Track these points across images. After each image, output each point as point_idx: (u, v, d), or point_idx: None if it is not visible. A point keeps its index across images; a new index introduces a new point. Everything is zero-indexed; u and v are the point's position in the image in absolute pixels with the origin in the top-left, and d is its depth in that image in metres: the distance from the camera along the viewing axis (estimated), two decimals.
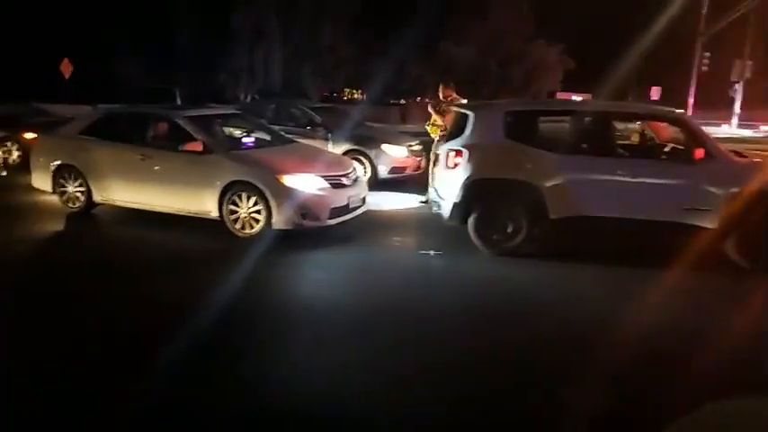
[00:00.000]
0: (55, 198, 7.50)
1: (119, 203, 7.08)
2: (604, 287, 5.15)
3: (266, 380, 3.41)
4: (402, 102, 48.80)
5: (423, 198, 8.16)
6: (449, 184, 5.99)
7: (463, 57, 35.78)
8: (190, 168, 6.57)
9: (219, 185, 6.36)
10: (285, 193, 6.14)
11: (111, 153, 7.00)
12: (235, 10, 31.57)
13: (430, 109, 8.34)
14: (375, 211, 7.56)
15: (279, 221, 6.17)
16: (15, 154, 10.66)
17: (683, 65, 30.48)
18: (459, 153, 5.88)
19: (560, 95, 41.65)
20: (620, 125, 7.48)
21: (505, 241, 5.82)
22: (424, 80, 35.10)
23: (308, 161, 6.72)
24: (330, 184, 6.44)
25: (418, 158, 9.91)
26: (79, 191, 7.24)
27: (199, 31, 30.58)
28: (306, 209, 6.20)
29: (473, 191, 5.78)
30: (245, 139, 7.26)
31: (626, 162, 5.70)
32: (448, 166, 6.02)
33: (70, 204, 7.34)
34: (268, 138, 7.57)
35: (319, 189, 6.31)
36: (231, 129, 8.03)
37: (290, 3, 32.69)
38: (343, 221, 6.54)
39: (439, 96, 8.36)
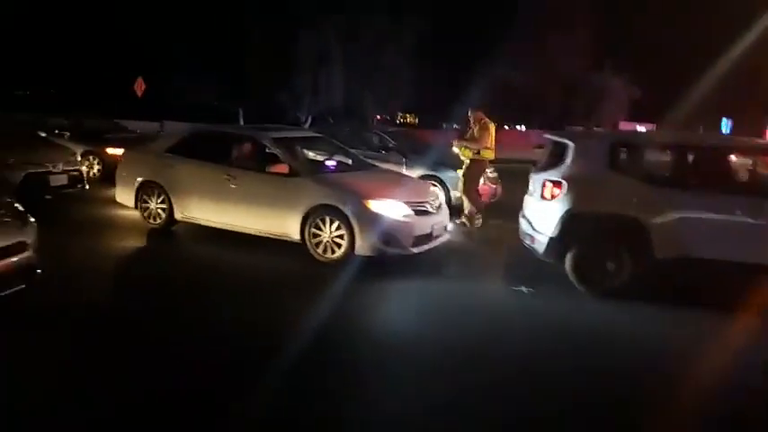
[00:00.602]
0: (134, 213, 7.59)
1: (200, 222, 7.07)
2: (716, 339, 4.65)
3: (349, 422, 3.19)
4: (456, 126, 48.53)
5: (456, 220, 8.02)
6: (545, 216, 5.65)
7: (522, 84, 35.34)
8: (274, 190, 6.50)
9: (303, 208, 6.24)
10: (370, 219, 5.96)
11: (196, 171, 7.02)
12: (300, 36, 32.35)
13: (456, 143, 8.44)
14: (455, 240, 7.28)
15: (362, 247, 5.98)
16: (96, 168, 10.97)
17: (759, 95, 29.05)
18: (558, 184, 5.54)
19: (623, 125, 40.56)
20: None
21: (605, 280, 5.42)
22: (487, 105, 34.70)
23: (392, 187, 6.53)
24: (414, 210, 6.22)
25: (494, 186, 9.60)
26: (161, 207, 7.29)
27: (265, 55, 31.40)
28: (390, 236, 5.99)
29: (573, 225, 5.42)
30: (327, 163, 7.16)
31: (745, 201, 5.22)
32: (544, 198, 5.69)
33: (151, 221, 7.39)
34: (349, 162, 7.44)
35: (404, 216, 6.10)
36: (313, 152, 7.96)
37: (352, 29, 33.24)
38: (426, 250, 6.29)
39: (470, 122, 8.43)
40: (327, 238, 6.16)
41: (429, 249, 6.35)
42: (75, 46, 29.53)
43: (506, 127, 39.90)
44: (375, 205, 6.00)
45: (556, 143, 6.04)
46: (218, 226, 6.93)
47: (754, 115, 33.01)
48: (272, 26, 30.72)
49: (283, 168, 6.45)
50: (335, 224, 6.10)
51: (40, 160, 8.22)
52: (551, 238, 5.55)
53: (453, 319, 4.90)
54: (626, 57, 34.56)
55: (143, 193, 7.40)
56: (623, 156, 5.58)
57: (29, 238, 4.03)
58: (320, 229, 6.20)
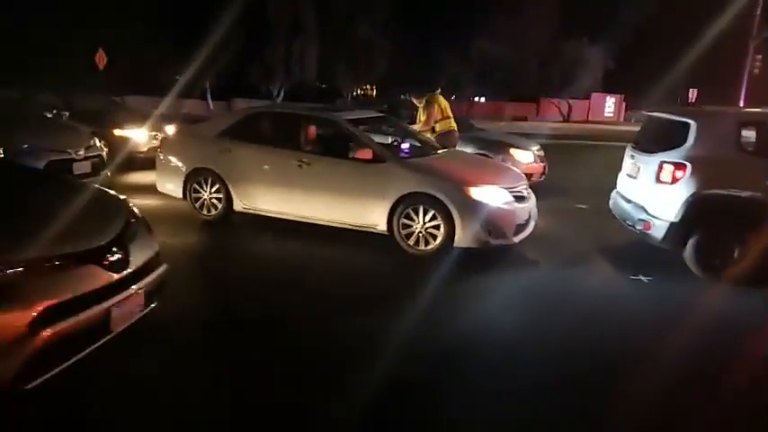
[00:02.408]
0: (174, 203, 6.88)
1: (264, 213, 6.43)
2: None
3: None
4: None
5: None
6: (664, 201, 5.34)
7: (499, 56, 35.06)
8: (357, 177, 5.93)
9: (392, 197, 5.72)
10: (472, 208, 5.50)
11: (261, 157, 6.34)
12: (269, 5, 30.86)
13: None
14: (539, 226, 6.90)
15: (463, 239, 5.52)
16: (104, 152, 10.01)
17: (734, 67, 29.74)
18: (681, 167, 5.22)
19: (595, 96, 41.05)
20: None
21: (729, 267, 5.18)
22: (462, 79, 34.32)
23: (489, 172, 6.09)
24: (514, 197, 5.80)
25: (543, 163, 9.27)
26: (216, 197, 6.61)
27: (231, 26, 29.74)
28: (493, 225, 5.56)
29: (699, 210, 5.13)
30: (403, 146, 6.60)
31: None
32: (662, 181, 5.36)
33: (204, 212, 6.70)
34: (418, 144, 6.90)
35: (505, 203, 5.67)
36: (378, 134, 7.34)
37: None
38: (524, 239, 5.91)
39: (414, 104, 8.22)
40: (420, 229, 5.68)
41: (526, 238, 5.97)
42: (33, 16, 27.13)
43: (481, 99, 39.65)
44: (477, 192, 5.54)
45: (667, 121, 5.70)
46: (287, 217, 6.32)
47: (730, 85, 33.78)
48: None
49: (367, 153, 5.88)
50: (430, 214, 5.62)
51: (62, 146, 7.32)
52: (672, 224, 5.25)
53: (585, 317, 4.49)
54: (599, 28, 34.66)
55: (193, 181, 6.69)
56: (751, 135, 5.29)
57: (157, 245, 3.40)
58: (411, 220, 5.71)
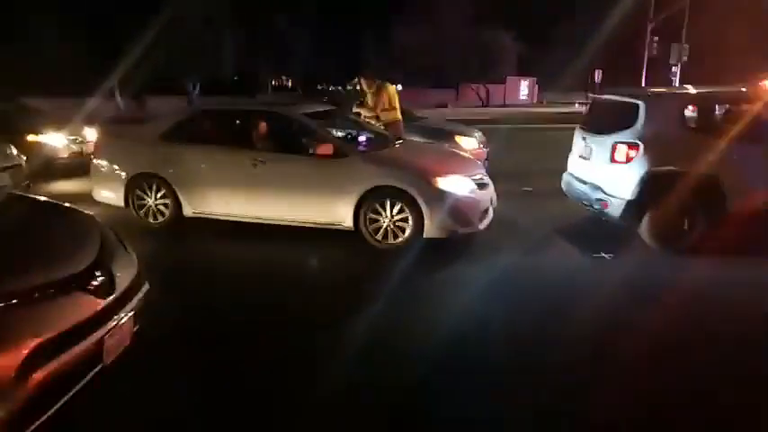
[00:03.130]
0: (109, 211, 6.34)
1: (218, 216, 6.09)
2: None
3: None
4: (332, 89, 47.78)
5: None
6: (619, 179, 5.55)
7: (417, 44, 35.41)
8: (319, 174, 5.73)
9: (357, 192, 5.58)
10: (439, 198, 5.47)
11: (211, 158, 5.99)
12: None
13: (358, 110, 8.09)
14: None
15: (432, 230, 5.49)
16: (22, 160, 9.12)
17: (634, 49, 31.70)
18: (633, 146, 5.44)
19: (510, 80, 42.39)
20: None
21: (682, 239, 5.49)
22: (382, 67, 34.36)
23: (450, 161, 6.07)
24: (476, 184, 5.83)
25: (486, 149, 9.41)
26: (163, 203, 6.19)
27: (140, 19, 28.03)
28: (460, 214, 5.57)
29: (653, 187, 5.37)
30: (360, 139, 6.45)
31: None
32: (616, 161, 5.58)
33: (150, 219, 6.26)
34: (373, 136, 6.77)
35: (470, 191, 5.69)
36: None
37: None
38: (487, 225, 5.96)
39: (362, 88, 8.14)
40: (388, 223, 5.59)
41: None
42: None
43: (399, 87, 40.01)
44: (443, 183, 5.51)
45: (616, 103, 5.92)
46: (244, 219, 6.02)
47: (625, 67, 35.93)
48: None
49: (328, 149, 5.69)
50: (398, 207, 5.54)
51: None
52: (629, 201, 5.48)
53: (561, 300, 4.54)
54: (511, 13, 35.80)
55: (135, 188, 6.22)
56: (695, 114, 5.59)
57: (137, 263, 3.10)
58: (378, 214, 5.61)
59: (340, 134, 6.69)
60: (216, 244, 6.02)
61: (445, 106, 32.67)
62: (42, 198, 3.55)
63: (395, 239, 5.61)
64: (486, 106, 37.49)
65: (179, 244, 6.05)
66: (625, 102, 5.77)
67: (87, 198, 6.64)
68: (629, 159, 5.47)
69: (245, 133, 6.00)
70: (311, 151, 5.77)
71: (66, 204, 3.38)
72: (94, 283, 2.57)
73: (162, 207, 6.20)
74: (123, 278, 2.78)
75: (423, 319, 4.21)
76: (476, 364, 3.51)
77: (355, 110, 8.05)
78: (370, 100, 7.86)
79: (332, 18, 34.87)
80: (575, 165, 6.48)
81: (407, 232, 5.55)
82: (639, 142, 5.42)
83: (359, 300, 4.46)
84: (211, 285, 4.89)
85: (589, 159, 6.06)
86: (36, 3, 23.95)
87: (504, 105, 39.17)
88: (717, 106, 5.99)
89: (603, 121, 6.06)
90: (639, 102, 5.55)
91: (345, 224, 5.72)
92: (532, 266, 5.43)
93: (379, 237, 5.64)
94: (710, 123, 5.60)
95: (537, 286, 4.91)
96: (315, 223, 5.84)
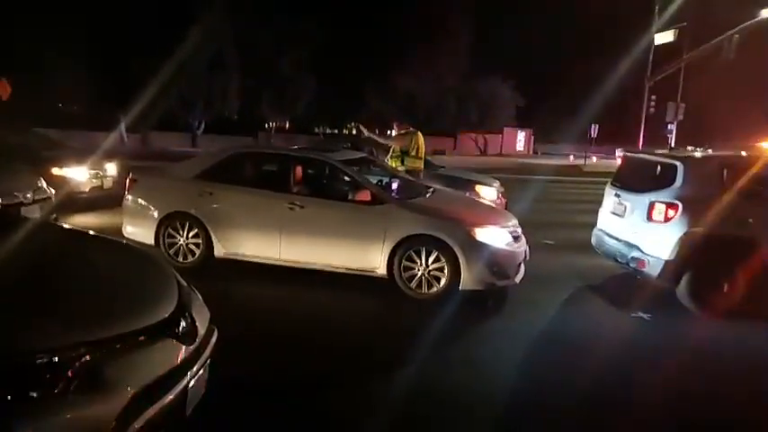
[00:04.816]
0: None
1: (250, 258, 6.03)
2: None
3: None
4: (328, 131, 48.25)
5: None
6: (657, 239, 5.58)
7: (418, 92, 36.19)
8: (356, 220, 5.73)
9: (393, 240, 5.57)
10: (478, 250, 5.46)
11: (247, 200, 5.97)
12: (190, 37, 29.93)
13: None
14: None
15: (469, 281, 5.46)
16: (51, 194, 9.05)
17: (631, 106, 32.56)
18: (672, 206, 5.50)
19: (507, 131, 43.19)
20: None
21: (721, 302, 5.47)
22: (383, 113, 34.97)
23: (485, 212, 6.10)
24: (512, 237, 5.84)
25: (504, 199, 9.48)
26: (194, 243, 6.13)
27: (152, 56, 28.53)
28: (498, 266, 5.55)
29: (692, 247, 5.40)
30: (393, 186, 6.48)
31: None
32: (653, 220, 5.62)
33: (180, 259, 6.17)
34: (406, 184, 6.79)
35: (507, 243, 5.70)
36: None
37: (248, 35, 31.57)
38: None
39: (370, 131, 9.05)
40: (424, 272, 5.56)
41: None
42: None
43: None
44: (481, 234, 5.52)
45: (650, 162, 6.01)
46: (276, 262, 5.96)
47: (621, 123, 36.84)
48: (161, 27, 28.02)
49: (365, 195, 5.71)
50: (433, 256, 5.52)
51: (9, 188, 6.53)
52: (668, 261, 5.49)
53: (606, 361, 4.40)
54: (510, 66, 36.79)
55: (168, 226, 6.17)
56: (732, 176, 5.67)
57: (206, 308, 3.03)
58: (413, 262, 5.58)
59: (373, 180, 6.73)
60: (245, 287, 5.91)
61: (443, 153, 33.06)
62: (96, 233, 3.47)
63: (429, 289, 5.57)
64: (484, 155, 38.04)
65: (210, 285, 5.95)
66: (662, 161, 5.86)
67: (111, 232, 6.56)
68: (667, 219, 5.53)
69: (283, 177, 6.01)
70: (349, 197, 5.78)
71: (131, 244, 3.33)
72: (180, 328, 2.50)
73: (193, 246, 6.14)
74: (201, 323, 2.72)
75: (480, 378, 4.10)
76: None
77: (374, 136, 8.71)
78: (397, 140, 8.04)
79: (334, 64, 35.62)
80: (606, 221, 6.52)
81: (443, 282, 5.51)
82: (678, 202, 5.48)
83: (391, 351, 4.37)
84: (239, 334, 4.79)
85: (623, 217, 6.11)
86: (55, 41, 24.38)
87: (501, 155, 39.77)
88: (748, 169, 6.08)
89: (638, 179, 6.13)
90: (677, 162, 5.65)
91: (379, 271, 5.68)
92: (569, 325, 5.40)
93: (413, 285, 5.60)
94: (748, 186, 5.69)
95: (585, 346, 4.85)
96: (349, 269, 5.79)
